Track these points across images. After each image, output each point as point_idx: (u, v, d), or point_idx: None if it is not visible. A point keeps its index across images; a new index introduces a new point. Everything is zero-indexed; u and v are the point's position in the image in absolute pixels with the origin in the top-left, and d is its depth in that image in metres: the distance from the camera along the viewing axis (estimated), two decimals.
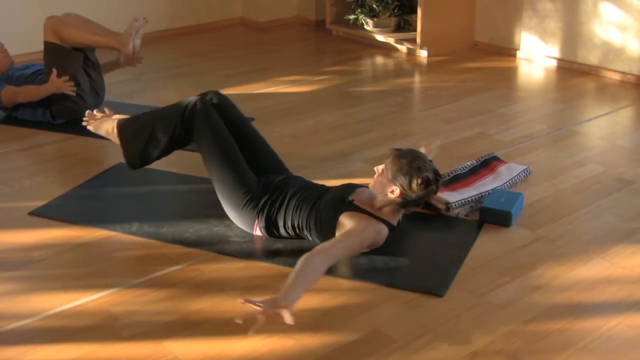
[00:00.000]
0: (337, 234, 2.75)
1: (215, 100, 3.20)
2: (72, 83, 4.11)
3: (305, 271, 2.40)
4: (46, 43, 4.15)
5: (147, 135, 3.18)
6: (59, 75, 4.08)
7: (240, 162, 3.05)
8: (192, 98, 3.18)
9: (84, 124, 3.45)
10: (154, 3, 6.08)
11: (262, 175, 3.09)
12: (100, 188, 3.47)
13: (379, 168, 2.83)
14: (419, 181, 2.72)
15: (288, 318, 2.20)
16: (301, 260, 2.42)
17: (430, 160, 2.82)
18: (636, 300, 2.60)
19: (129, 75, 5.09)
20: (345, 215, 2.77)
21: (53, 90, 4.10)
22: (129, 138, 3.24)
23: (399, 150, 2.82)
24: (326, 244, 2.61)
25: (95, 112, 3.45)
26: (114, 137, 3.30)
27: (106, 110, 3.43)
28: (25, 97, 4.17)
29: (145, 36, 5.93)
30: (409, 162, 2.75)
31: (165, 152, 3.22)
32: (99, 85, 4.33)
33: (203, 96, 3.19)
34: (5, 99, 4.19)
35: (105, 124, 3.35)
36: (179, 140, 3.18)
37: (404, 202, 2.79)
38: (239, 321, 2.21)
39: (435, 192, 2.84)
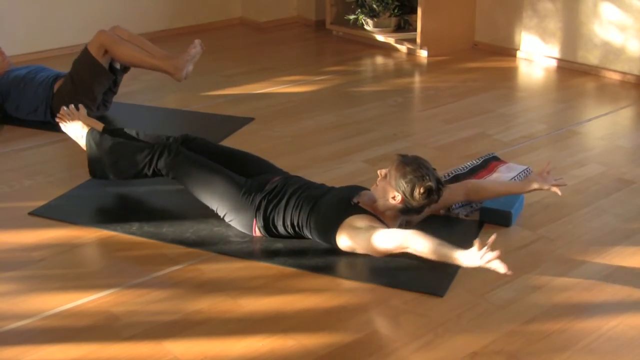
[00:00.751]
0: (342, 234, 2.76)
1: (188, 146, 3.23)
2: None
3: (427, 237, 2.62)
4: (87, 52, 4.11)
5: (110, 162, 3.29)
6: (79, 85, 4.08)
7: (224, 171, 3.06)
8: (162, 145, 3.20)
9: (56, 119, 3.51)
10: (154, 3, 6.08)
11: (262, 174, 3.09)
12: (100, 188, 3.46)
13: (382, 172, 2.82)
14: (422, 190, 2.72)
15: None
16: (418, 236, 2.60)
17: (434, 169, 2.82)
18: (636, 300, 2.60)
19: (129, 75, 5.08)
20: (355, 217, 2.76)
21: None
22: (94, 156, 3.34)
23: (404, 156, 2.81)
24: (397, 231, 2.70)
25: (70, 108, 3.47)
26: (82, 145, 3.41)
27: (80, 107, 3.48)
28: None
29: (145, 36, 5.92)
30: (413, 170, 2.74)
31: (129, 178, 3.32)
32: (108, 101, 4.32)
33: (174, 150, 3.17)
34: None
35: (75, 130, 3.43)
36: (146, 174, 3.25)
37: (405, 208, 2.79)
38: None
39: (437, 201, 2.84)
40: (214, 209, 3.04)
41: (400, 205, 2.77)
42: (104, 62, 4.13)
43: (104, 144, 3.31)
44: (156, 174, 3.20)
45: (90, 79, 4.12)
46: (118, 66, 4.22)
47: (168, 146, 3.19)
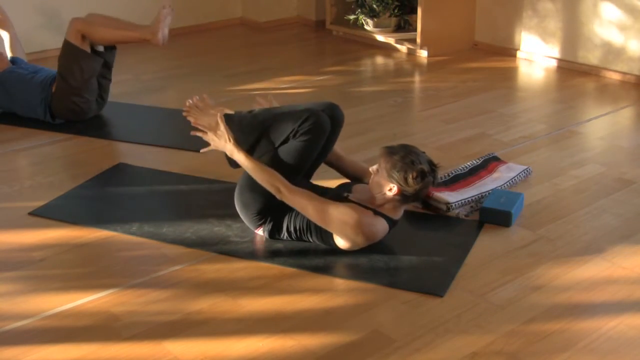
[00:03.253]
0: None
1: (331, 115, 2.98)
2: None
3: (267, 170, 2.79)
4: (67, 43, 4.11)
5: (252, 141, 2.94)
6: (72, 78, 4.08)
7: (301, 183, 2.94)
8: (311, 110, 2.89)
9: (184, 114, 3.09)
10: (154, 3, 6.07)
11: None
12: (100, 188, 3.47)
13: (374, 168, 2.83)
14: (414, 175, 2.72)
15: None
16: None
17: (423, 152, 2.81)
18: (636, 300, 2.60)
19: (129, 75, 5.10)
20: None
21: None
22: (234, 138, 2.96)
23: (390, 147, 2.81)
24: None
25: (195, 99, 3.11)
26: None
27: (205, 97, 3.12)
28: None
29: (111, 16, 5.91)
30: (402, 157, 2.74)
31: (268, 160, 2.92)
32: (105, 91, 4.32)
33: (324, 112, 2.93)
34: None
35: (208, 117, 3.03)
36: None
37: (404, 197, 2.78)
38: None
39: (433, 183, 2.82)
40: (241, 182, 2.96)
41: (398, 196, 2.77)
42: (86, 48, 4.13)
43: (244, 120, 2.97)
44: (305, 132, 2.87)
45: (79, 69, 4.11)
46: (101, 49, 4.22)
47: (315, 111, 2.89)
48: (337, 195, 2.86)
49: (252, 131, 2.94)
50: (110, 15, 4.27)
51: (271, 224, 2.93)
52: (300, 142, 2.87)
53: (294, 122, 2.86)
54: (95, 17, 4.19)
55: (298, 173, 2.93)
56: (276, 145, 2.90)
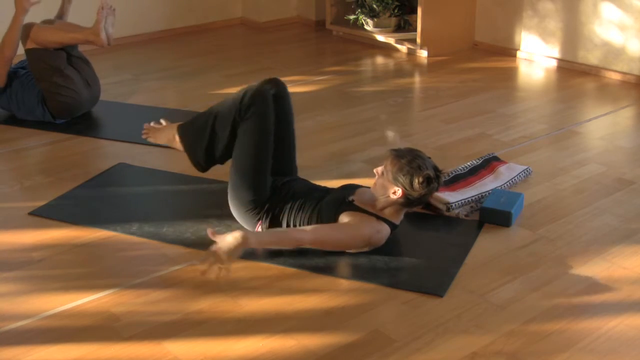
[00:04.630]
0: None
1: (273, 91, 3.07)
2: None
3: (280, 230, 2.76)
4: (27, 51, 4.16)
5: (207, 134, 3.05)
6: (47, 74, 4.09)
7: (266, 169, 2.98)
8: (251, 85, 3.02)
9: (143, 136, 3.31)
10: (153, 3, 6.08)
11: (274, 175, 3.06)
12: (100, 188, 3.47)
13: (379, 170, 2.83)
14: (420, 179, 2.72)
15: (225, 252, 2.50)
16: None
17: (429, 158, 2.82)
18: (636, 300, 2.60)
19: (129, 75, 5.10)
20: (344, 214, 2.78)
21: (22, 13, 4.13)
22: (191, 142, 3.11)
23: (397, 150, 2.81)
24: (317, 225, 2.71)
25: (152, 123, 3.30)
26: (177, 143, 3.18)
27: (162, 121, 3.29)
28: (8, 47, 4.15)
29: (145, 36, 5.96)
30: (409, 161, 2.75)
31: (230, 148, 3.03)
32: (89, 76, 4.31)
33: (264, 85, 3.04)
34: None
35: (165, 133, 3.22)
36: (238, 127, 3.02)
37: (407, 201, 2.79)
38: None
39: (437, 189, 2.84)
40: (229, 184, 2.99)
41: (401, 200, 2.77)
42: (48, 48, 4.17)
43: (196, 122, 3.12)
44: (242, 116, 2.97)
45: (46, 65, 4.13)
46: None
47: (262, 87, 3.03)
48: (341, 198, 2.85)
49: (205, 126, 3.05)
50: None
51: (268, 220, 2.93)
52: (249, 120, 2.95)
53: (234, 101, 2.99)
54: (44, 22, 4.25)
55: (267, 153, 2.97)
56: (228, 129, 2.99)
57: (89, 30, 4.17)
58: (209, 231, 2.57)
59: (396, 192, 2.76)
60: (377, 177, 2.83)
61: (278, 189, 2.99)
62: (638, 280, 2.71)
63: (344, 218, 2.77)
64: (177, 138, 3.17)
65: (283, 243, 2.76)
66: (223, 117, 3.01)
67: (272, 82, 3.10)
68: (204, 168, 3.15)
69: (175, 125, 3.20)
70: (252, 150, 2.96)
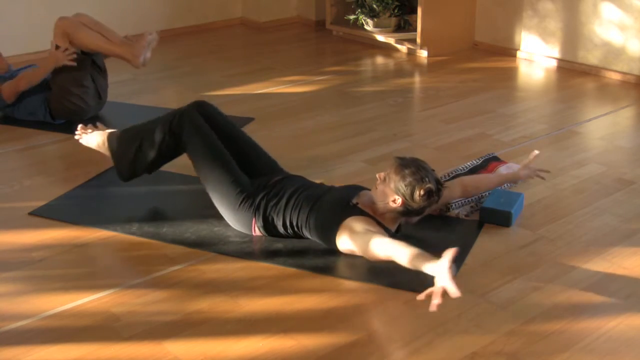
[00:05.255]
0: (341, 235, 2.76)
1: (200, 110, 3.21)
2: (73, 51, 4.08)
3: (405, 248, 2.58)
4: (54, 46, 4.11)
5: (134, 149, 3.22)
6: (66, 80, 4.07)
7: (230, 163, 3.06)
8: (178, 109, 3.22)
9: (76, 137, 3.47)
10: (153, 3, 6.08)
11: (256, 177, 3.09)
12: (100, 188, 3.47)
13: (381, 175, 2.82)
14: (422, 192, 2.72)
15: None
16: (397, 245, 2.57)
17: (433, 170, 2.82)
18: (636, 300, 2.60)
19: (129, 75, 5.10)
20: (353, 219, 2.76)
21: (53, 65, 4.09)
22: (118, 153, 3.28)
23: (402, 159, 2.81)
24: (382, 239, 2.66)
25: (88, 126, 3.45)
26: (105, 150, 3.35)
27: (98, 124, 3.45)
28: (26, 83, 4.14)
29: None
30: (412, 172, 2.74)
31: (154, 165, 3.26)
32: (102, 88, 4.31)
33: (189, 105, 3.21)
34: (7, 94, 4.17)
35: (96, 138, 3.39)
36: (168, 153, 3.22)
37: (406, 211, 2.79)
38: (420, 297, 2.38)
39: (437, 202, 2.84)
40: (214, 200, 3.04)
41: (400, 208, 2.77)
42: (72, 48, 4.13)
43: (125, 135, 3.28)
44: (176, 139, 3.15)
45: (69, 69, 4.11)
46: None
47: (187, 107, 3.20)
48: (345, 201, 2.84)
49: (132, 142, 3.22)
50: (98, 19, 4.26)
51: (261, 218, 2.93)
52: (189, 142, 3.10)
53: (163, 124, 3.17)
54: (83, 18, 4.18)
55: (222, 152, 3.06)
56: (156, 147, 3.18)
57: (129, 49, 4.14)
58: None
59: (396, 201, 2.76)
60: (378, 181, 2.82)
61: (269, 186, 2.98)
62: (638, 280, 2.71)
63: (354, 223, 2.75)
64: (106, 145, 3.34)
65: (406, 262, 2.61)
66: (152, 135, 3.18)
67: (196, 104, 3.23)
68: (125, 179, 3.32)
69: (106, 133, 3.36)
70: (209, 157, 3.06)
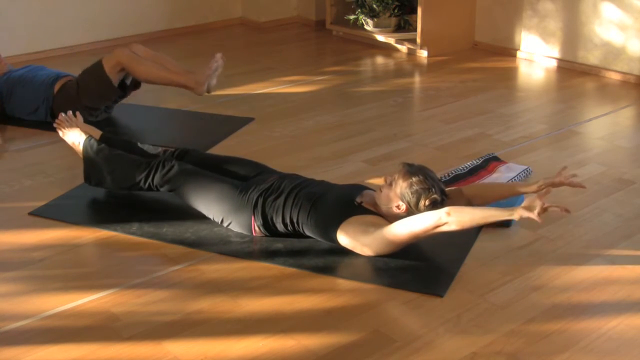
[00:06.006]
0: (344, 234, 2.76)
1: (187, 159, 3.25)
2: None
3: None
4: (100, 66, 4.09)
5: (106, 172, 3.26)
6: (87, 96, 4.09)
7: (219, 177, 3.07)
8: (154, 166, 3.16)
9: (54, 125, 3.48)
10: (153, 3, 6.08)
11: (248, 179, 3.09)
12: (100, 188, 3.46)
13: (387, 179, 2.82)
14: (427, 202, 2.72)
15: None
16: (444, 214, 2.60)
17: (440, 179, 2.81)
18: (636, 300, 2.60)
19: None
20: (360, 217, 2.76)
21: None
22: (89, 163, 3.32)
23: (410, 165, 2.80)
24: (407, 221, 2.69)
25: (68, 115, 3.45)
26: (78, 152, 3.38)
27: (78, 114, 3.47)
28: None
29: (145, 36, 5.96)
30: (420, 181, 2.74)
31: (121, 190, 3.30)
32: (110, 109, 4.29)
33: (178, 162, 3.17)
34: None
35: (73, 136, 3.41)
36: (142, 188, 3.23)
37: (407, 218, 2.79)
38: None
39: None
40: (212, 215, 3.03)
41: (403, 215, 2.77)
42: (116, 79, 4.12)
43: (101, 154, 3.30)
44: (151, 188, 3.19)
45: (97, 93, 4.12)
46: (128, 82, 4.21)
47: (163, 161, 3.18)
48: (349, 200, 2.84)
49: (102, 166, 3.27)
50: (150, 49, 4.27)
51: (261, 217, 2.92)
52: (178, 189, 3.10)
53: (138, 170, 3.18)
54: (140, 49, 4.16)
55: (212, 180, 3.05)
56: (125, 187, 3.25)
57: (193, 77, 4.11)
58: None
59: (400, 207, 2.76)
60: (384, 185, 2.82)
61: (268, 184, 2.98)
62: (638, 280, 2.71)
63: (362, 219, 2.76)
64: (80, 150, 3.36)
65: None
66: (127, 172, 3.22)
67: (181, 156, 3.26)
68: (90, 184, 3.35)
69: (84, 137, 3.37)
70: (203, 190, 3.04)
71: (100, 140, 3.40)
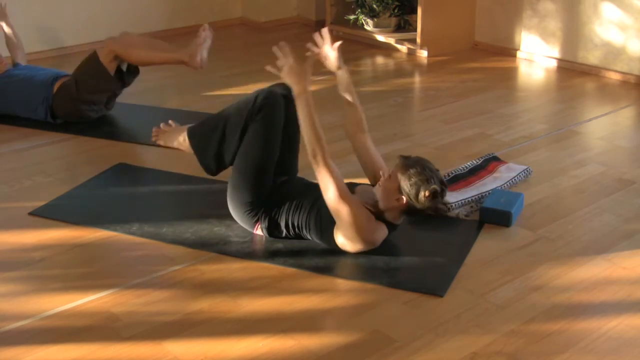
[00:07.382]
0: (339, 232, 2.76)
1: (284, 93, 3.13)
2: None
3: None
4: (95, 58, 4.08)
5: (217, 138, 3.04)
6: (86, 89, 4.08)
7: (268, 173, 2.98)
8: (261, 89, 3.07)
9: (153, 139, 3.37)
10: (154, 3, 6.08)
11: (275, 175, 3.06)
12: (100, 188, 3.46)
13: (385, 173, 2.82)
14: (427, 193, 2.72)
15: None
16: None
17: (437, 170, 2.81)
18: (636, 300, 2.60)
19: None
20: None
21: None
22: (201, 145, 3.11)
23: (407, 158, 2.80)
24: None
25: (161, 125, 3.35)
26: (186, 146, 3.18)
27: (171, 122, 3.35)
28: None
29: (144, 36, 5.93)
30: (418, 172, 2.73)
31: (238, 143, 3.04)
32: (111, 103, 4.30)
33: (275, 88, 3.11)
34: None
35: (175, 135, 3.26)
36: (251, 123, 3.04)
37: (409, 210, 2.78)
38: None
39: (441, 203, 2.84)
40: (229, 183, 2.98)
41: (404, 208, 2.77)
42: (112, 68, 4.11)
43: (205, 128, 3.10)
44: (254, 119, 2.98)
45: (95, 85, 4.11)
46: (124, 68, 4.21)
47: (273, 91, 3.10)
48: None
49: (214, 130, 3.04)
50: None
51: (267, 220, 2.93)
52: (258, 123, 2.95)
53: (245, 104, 3.00)
54: (130, 37, 4.14)
55: (271, 157, 2.96)
56: (238, 134, 2.97)
57: (185, 50, 4.10)
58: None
59: (399, 200, 2.76)
60: (382, 179, 2.82)
61: (276, 190, 2.99)
62: (638, 280, 2.71)
63: None
64: (186, 141, 3.17)
65: (307, 137, 2.78)
66: (234, 121, 3.01)
67: (283, 84, 3.10)
68: (213, 172, 3.14)
69: (185, 128, 3.20)
70: (257, 153, 2.95)
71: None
